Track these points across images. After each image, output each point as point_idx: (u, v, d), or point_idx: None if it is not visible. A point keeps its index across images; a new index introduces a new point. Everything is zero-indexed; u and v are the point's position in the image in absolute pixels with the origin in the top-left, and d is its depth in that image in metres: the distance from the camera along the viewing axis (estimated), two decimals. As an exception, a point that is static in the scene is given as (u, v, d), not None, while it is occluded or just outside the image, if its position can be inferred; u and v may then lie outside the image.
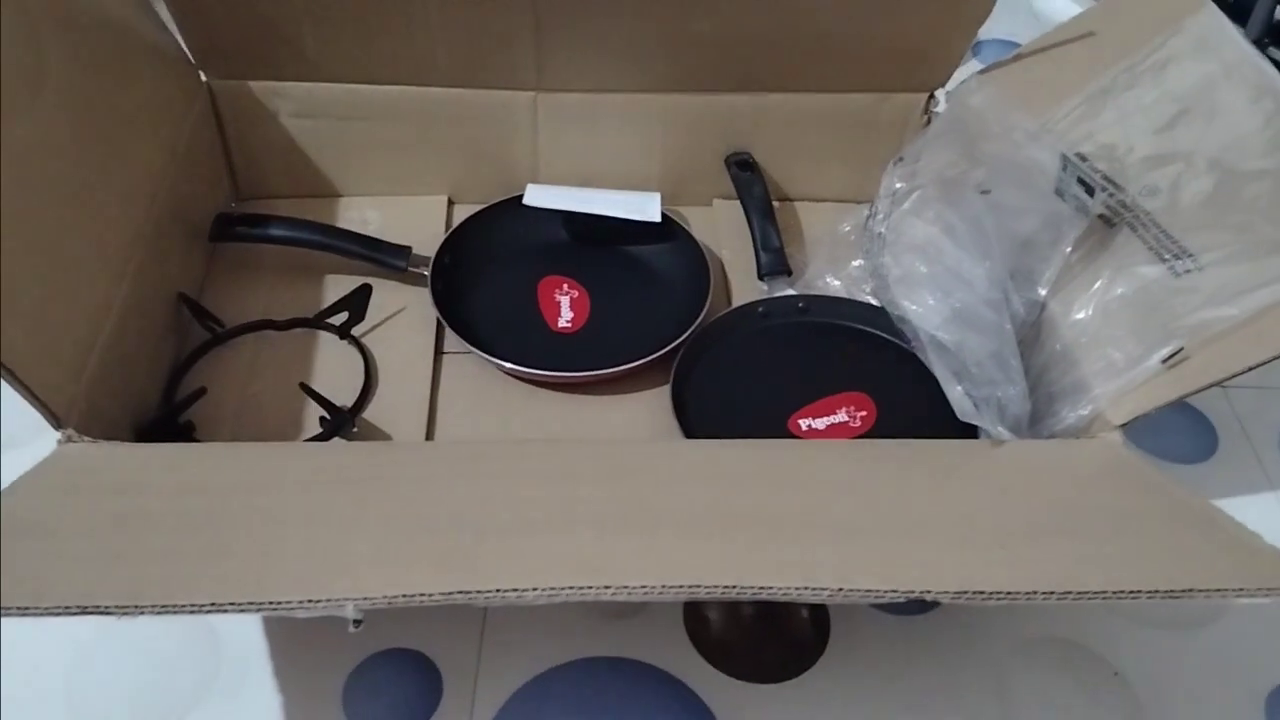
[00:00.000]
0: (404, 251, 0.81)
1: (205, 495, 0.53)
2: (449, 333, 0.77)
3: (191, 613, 0.43)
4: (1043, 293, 0.70)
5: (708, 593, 0.45)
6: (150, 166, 0.72)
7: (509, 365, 0.74)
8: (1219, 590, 0.46)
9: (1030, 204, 0.70)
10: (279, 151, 0.85)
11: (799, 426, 0.72)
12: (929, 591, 0.45)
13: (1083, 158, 0.71)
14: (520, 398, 0.76)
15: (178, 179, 0.75)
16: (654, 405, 0.75)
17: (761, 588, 0.45)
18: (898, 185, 0.76)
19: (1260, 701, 0.66)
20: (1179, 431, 0.82)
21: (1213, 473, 0.79)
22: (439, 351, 0.78)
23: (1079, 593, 0.45)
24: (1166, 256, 0.65)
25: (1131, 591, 0.46)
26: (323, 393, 0.72)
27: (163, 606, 0.43)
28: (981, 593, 0.45)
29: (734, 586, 0.45)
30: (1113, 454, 0.61)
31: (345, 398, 0.73)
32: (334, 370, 0.76)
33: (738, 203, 0.87)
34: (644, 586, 0.44)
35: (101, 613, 0.43)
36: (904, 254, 0.73)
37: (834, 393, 0.74)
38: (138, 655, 0.64)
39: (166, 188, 0.73)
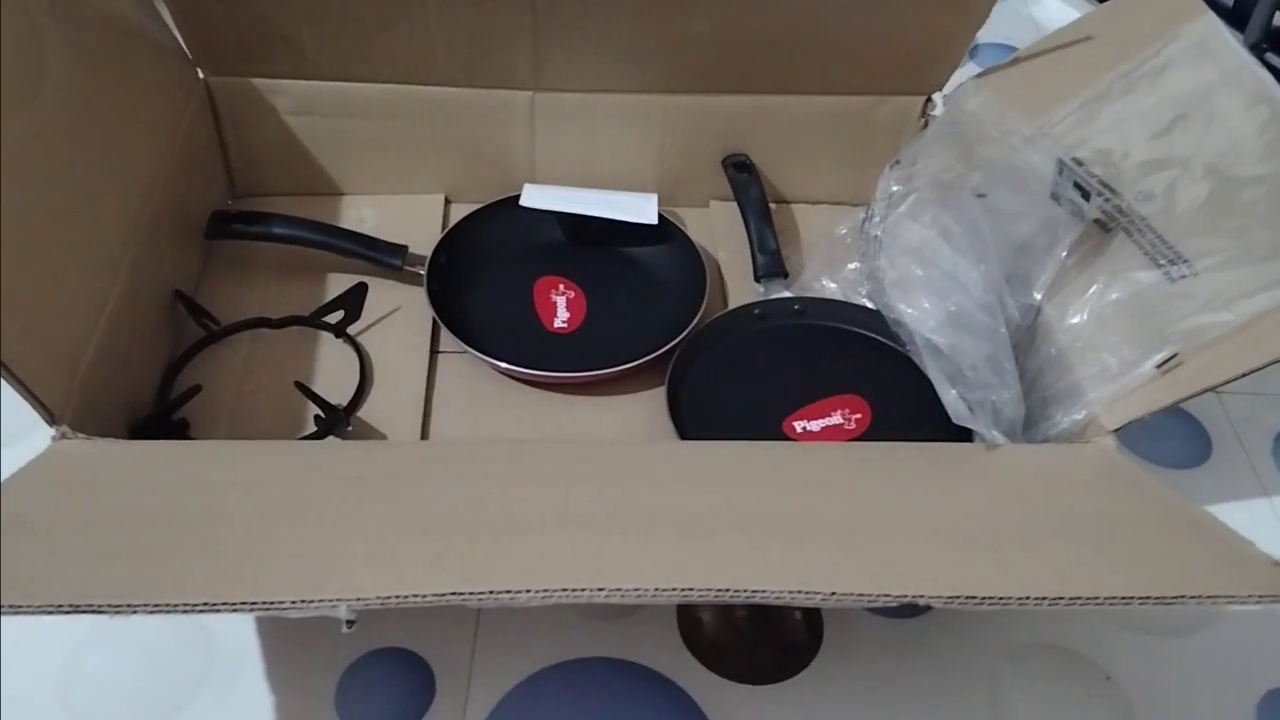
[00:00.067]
0: (400, 250, 0.81)
1: (199, 493, 0.53)
2: (444, 332, 0.77)
3: (185, 612, 0.43)
4: (1038, 297, 0.70)
5: (701, 596, 0.45)
6: (147, 163, 0.72)
7: (504, 365, 0.74)
8: (1211, 597, 0.46)
9: (1026, 208, 0.71)
10: (276, 149, 0.85)
11: (794, 429, 0.72)
12: (922, 596, 0.45)
13: (1079, 162, 0.71)
14: (515, 398, 0.76)
15: (174, 176, 0.75)
16: (649, 406, 0.75)
17: (755, 591, 0.45)
18: (894, 188, 0.76)
19: (1252, 707, 0.66)
20: (1173, 437, 0.82)
21: (1206, 478, 0.79)
22: (434, 351, 0.78)
23: (1071, 598, 0.45)
24: (1162, 262, 0.65)
25: (1124, 598, 0.46)
26: (318, 391, 0.72)
27: (156, 605, 0.43)
28: (974, 597, 0.45)
29: (727, 590, 0.45)
30: (1107, 459, 0.61)
31: (340, 396, 0.73)
32: (329, 369, 0.76)
33: (734, 204, 0.87)
34: (637, 589, 0.44)
35: (95, 611, 0.43)
36: (900, 257, 0.73)
37: (829, 395, 0.74)
38: (131, 654, 0.64)
39: (163, 184, 0.73)
